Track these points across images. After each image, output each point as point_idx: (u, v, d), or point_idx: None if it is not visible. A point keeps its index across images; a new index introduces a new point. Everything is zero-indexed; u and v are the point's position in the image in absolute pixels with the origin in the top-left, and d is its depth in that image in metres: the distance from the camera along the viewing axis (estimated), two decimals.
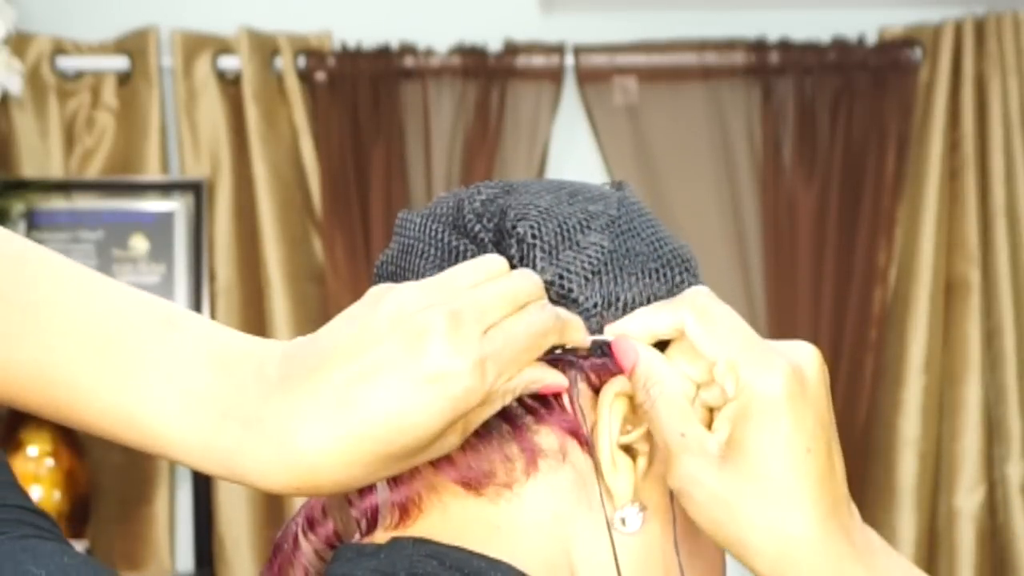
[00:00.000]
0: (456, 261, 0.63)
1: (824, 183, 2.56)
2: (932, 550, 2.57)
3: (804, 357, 0.57)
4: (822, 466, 0.56)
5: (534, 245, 0.62)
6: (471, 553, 0.57)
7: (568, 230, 0.63)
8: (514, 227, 0.63)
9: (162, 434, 0.54)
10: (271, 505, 2.54)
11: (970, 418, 2.55)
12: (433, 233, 0.65)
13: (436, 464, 0.60)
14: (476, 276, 0.57)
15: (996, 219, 2.56)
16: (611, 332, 0.60)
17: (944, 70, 2.57)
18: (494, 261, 0.58)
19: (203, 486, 2.50)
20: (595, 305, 0.62)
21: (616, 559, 0.60)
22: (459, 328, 0.54)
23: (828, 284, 2.54)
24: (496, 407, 0.57)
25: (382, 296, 0.56)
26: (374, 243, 2.52)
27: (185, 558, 2.56)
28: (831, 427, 0.57)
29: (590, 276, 0.62)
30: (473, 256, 0.62)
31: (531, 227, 0.63)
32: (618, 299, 0.63)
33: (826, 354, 2.48)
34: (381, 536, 0.60)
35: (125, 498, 2.52)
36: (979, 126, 2.58)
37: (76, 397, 0.55)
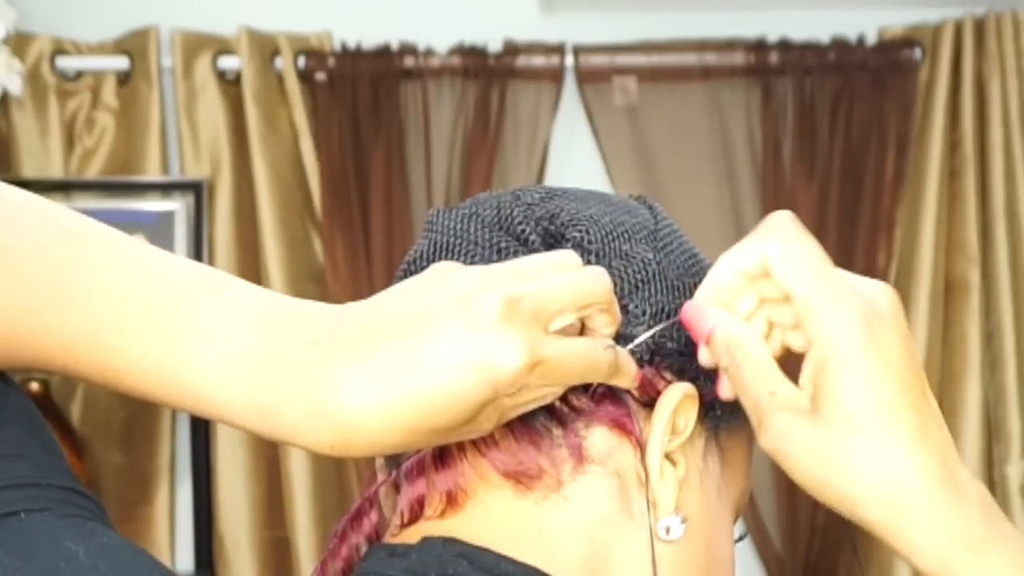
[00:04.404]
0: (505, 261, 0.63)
1: (824, 183, 2.56)
2: None
3: (879, 295, 0.57)
4: (918, 408, 0.55)
5: (589, 251, 0.63)
6: (499, 556, 0.58)
7: (615, 239, 0.64)
8: (565, 232, 0.63)
9: (204, 392, 0.55)
10: (271, 505, 2.54)
11: (970, 418, 2.56)
12: (477, 234, 0.64)
13: (484, 452, 0.60)
14: (545, 266, 0.57)
15: (996, 219, 2.56)
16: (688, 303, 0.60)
17: (944, 70, 2.57)
18: (567, 255, 0.58)
19: (203, 486, 2.50)
20: (643, 313, 0.62)
21: (654, 566, 0.60)
22: (513, 316, 0.53)
23: None
24: (536, 401, 0.57)
25: (446, 274, 0.56)
26: (374, 243, 2.52)
27: (185, 558, 2.56)
28: (920, 368, 0.56)
29: (639, 286, 0.63)
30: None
31: (584, 233, 0.63)
32: (663, 309, 0.63)
33: None
34: (419, 530, 0.60)
35: (125, 498, 2.52)
36: (979, 126, 2.58)
37: (122, 359, 0.55)
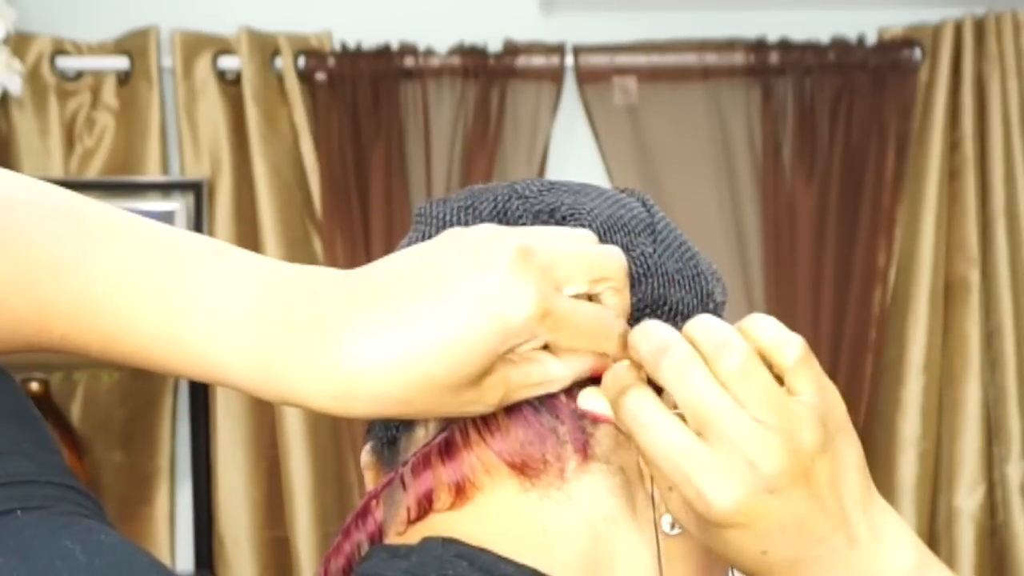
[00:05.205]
0: None
1: (824, 183, 2.56)
2: (932, 550, 2.56)
3: (787, 452, 0.54)
4: (784, 556, 0.56)
5: None
6: (499, 557, 0.57)
7: (615, 232, 0.64)
8: (565, 225, 0.63)
9: (206, 352, 0.54)
10: (271, 505, 2.54)
11: (970, 418, 2.56)
12: (473, 224, 0.63)
13: (489, 442, 0.59)
14: (561, 235, 0.56)
15: (996, 219, 2.56)
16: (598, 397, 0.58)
17: (944, 70, 2.57)
18: (583, 231, 0.58)
19: (203, 486, 2.50)
20: (646, 307, 0.62)
21: (660, 562, 0.60)
22: (525, 264, 0.53)
23: (828, 284, 2.54)
24: (543, 386, 0.56)
25: (456, 233, 0.56)
26: (374, 243, 2.52)
27: (185, 558, 2.56)
28: (816, 503, 0.55)
29: (641, 279, 0.63)
30: None
31: (584, 226, 0.63)
32: (665, 302, 0.63)
33: (826, 354, 2.51)
34: (428, 525, 0.60)
35: (125, 498, 2.52)
36: (979, 126, 2.58)
37: (122, 324, 0.54)
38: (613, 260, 0.56)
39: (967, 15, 2.58)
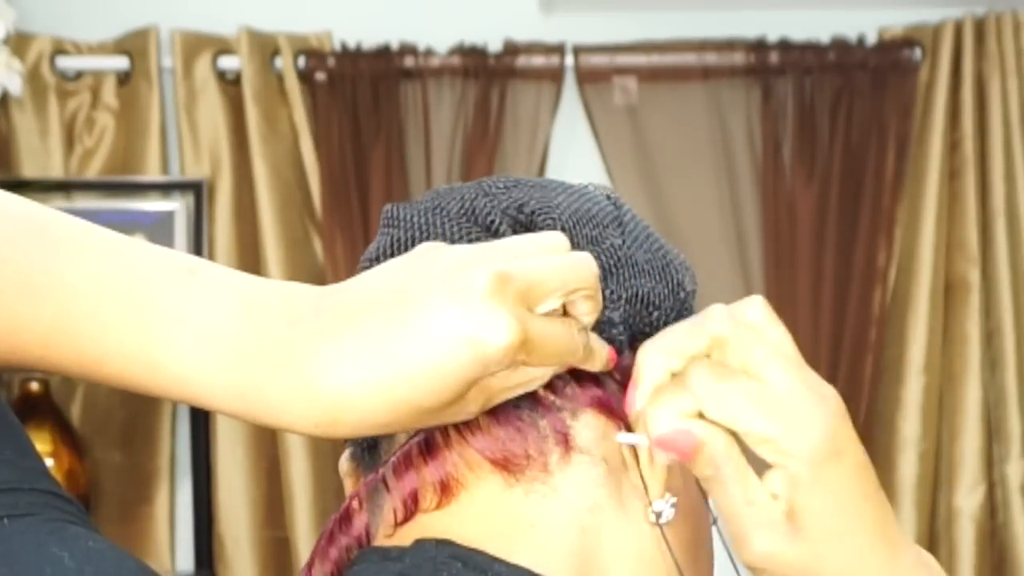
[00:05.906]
0: None
1: (824, 183, 2.56)
2: (932, 550, 2.57)
3: (833, 398, 0.54)
4: (879, 507, 0.55)
5: None
6: (493, 558, 0.57)
7: (584, 226, 0.64)
8: (535, 220, 0.63)
9: (185, 376, 0.54)
10: (271, 505, 2.54)
11: (970, 418, 2.56)
12: (443, 226, 0.64)
13: (471, 440, 0.59)
14: (534, 247, 0.56)
15: (996, 219, 2.56)
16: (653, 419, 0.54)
17: (944, 70, 2.57)
18: (556, 237, 0.57)
19: (203, 486, 2.50)
20: (619, 298, 0.62)
21: (670, 549, 0.60)
22: (503, 292, 0.53)
23: (828, 284, 2.54)
24: (523, 386, 0.57)
25: (431, 251, 0.55)
26: None
27: (185, 558, 2.56)
28: (867, 461, 0.55)
29: (613, 271, 0.63)
30: None
31: (553, 221, 0.63)
32: (636, 293, 0.63)
33: (826, 354, 2.51)
34: (416, 525, 0.60)
35: (125, 498, 2.52)
36: (979, 126, 2.58)
37: (99, 348, 0.54)
38: (585, 269, 0.56)
39: (967, 15, 2.58)
